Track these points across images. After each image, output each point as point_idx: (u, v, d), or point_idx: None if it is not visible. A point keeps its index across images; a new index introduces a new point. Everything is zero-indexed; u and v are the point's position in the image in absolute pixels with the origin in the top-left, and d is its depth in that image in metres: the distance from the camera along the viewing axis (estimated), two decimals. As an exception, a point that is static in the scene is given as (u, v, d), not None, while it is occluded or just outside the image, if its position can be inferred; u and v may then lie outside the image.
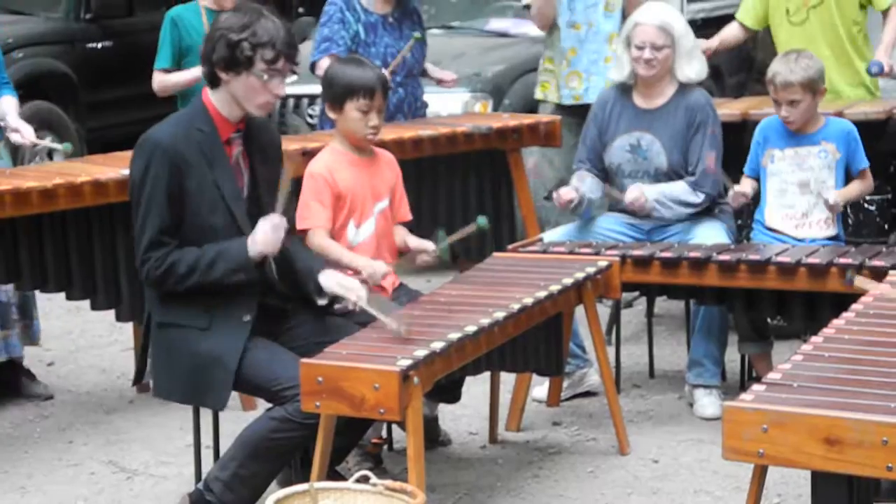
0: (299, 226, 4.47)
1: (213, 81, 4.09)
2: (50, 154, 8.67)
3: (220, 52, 4.01)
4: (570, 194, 5.25)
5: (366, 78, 4.58)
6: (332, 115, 4.64)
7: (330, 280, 4.17)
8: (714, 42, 6.47)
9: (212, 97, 4.10)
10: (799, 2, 6.30)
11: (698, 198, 5.26)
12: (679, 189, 5.26)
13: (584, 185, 5.35)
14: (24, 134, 5.53)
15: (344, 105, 4.57)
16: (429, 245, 4.67)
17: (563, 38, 6.62)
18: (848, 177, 5.25)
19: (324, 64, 6.04)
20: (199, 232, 4.03)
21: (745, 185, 5.30)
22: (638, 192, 5.21)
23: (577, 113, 6.55)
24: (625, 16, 6.59)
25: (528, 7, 6.71)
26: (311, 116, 7.71)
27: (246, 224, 4.08)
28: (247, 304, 4.08)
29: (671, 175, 5.31)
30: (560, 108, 6.61)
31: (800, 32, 6.28)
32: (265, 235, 4.02)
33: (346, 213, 4.58)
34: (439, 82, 6.40)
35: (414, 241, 4.72)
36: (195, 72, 5.72)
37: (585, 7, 6.58)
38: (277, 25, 4.05)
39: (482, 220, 4.58)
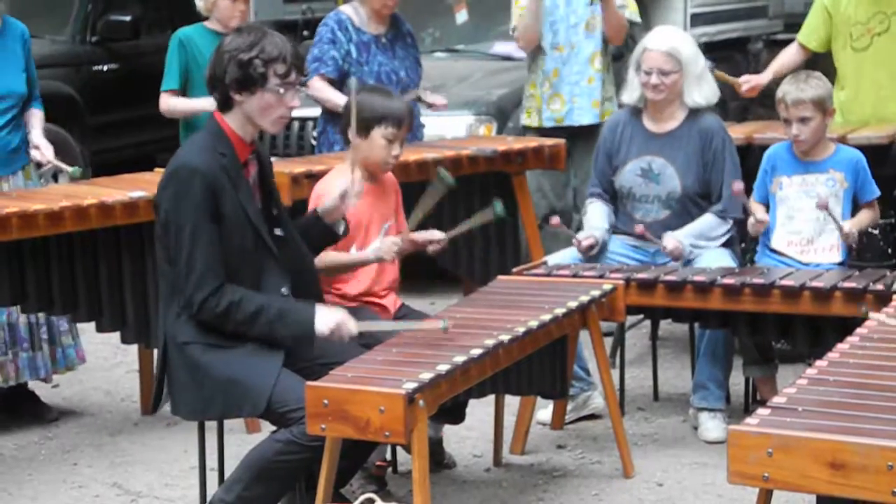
0: None
1: (227, 104, 4.08)
2: (55, 176, 8.68)
3: (231, 73, 4.00)
4: (590, 240, 5.26)
5: (396, 108, 4.64)
6: (355, 140, 4.65)
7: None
8: (766, 76, 6.33)
9: (227, 119, 4.08)
10: (863, 28, 6.21)
11: (727, 225, 5.29)
12: (709, 224, 5.27)
13: (600, 222, 5.36)
14: (44, 152, 5.56)
15: (371, 131, 4.60)
16: (437, 234, 4.68)
17: (547, 61, 6.65)
18: (855, 205, 5.25)
19: (314, 83, 6.09)
20: (230, 254, 4.00)
21: (759, 210, 5.26)
22: (676, 241, 5.18)
23: (558, 136, 6.54)
24: (604, 37, 6.63)
25: (514, 29, 6.72)
26: (314, 139, 7.73)
27: (271, 243, 4.08)
28: None
29: (684, 201, 5.31)
30: (542, 133, 6.60)
31: (861, 58, 6.22)
32: (336, 327, 4.03)
33: (348, 238, 4.60)
34: (430, 106, 6.36)
35: (420, 235, 4.70)
36: (204, 102, 5.70)
37: (567, 28, 6.61)
38: (284, 39, 4.08)
39: (498, 207, 4.58)
